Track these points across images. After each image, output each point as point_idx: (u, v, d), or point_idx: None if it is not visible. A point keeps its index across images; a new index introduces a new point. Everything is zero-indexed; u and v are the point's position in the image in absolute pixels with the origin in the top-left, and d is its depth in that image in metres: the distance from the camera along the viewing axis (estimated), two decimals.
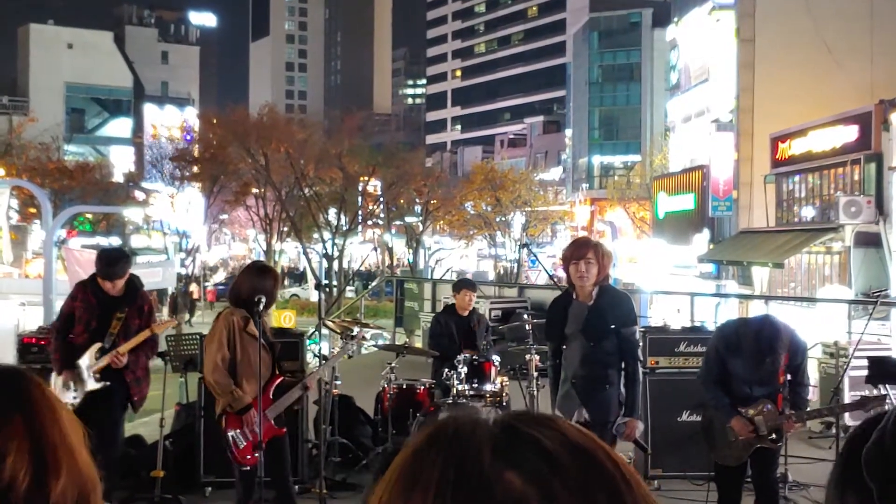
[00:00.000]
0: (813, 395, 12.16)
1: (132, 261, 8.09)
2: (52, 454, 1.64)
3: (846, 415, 10.28)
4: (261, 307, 6.75)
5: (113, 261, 7.72)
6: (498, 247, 66.79)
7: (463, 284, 10.87)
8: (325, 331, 11.96)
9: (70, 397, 7.37)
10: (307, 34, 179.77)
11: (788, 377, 6.89)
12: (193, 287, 54.61)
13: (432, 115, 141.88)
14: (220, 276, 73.71)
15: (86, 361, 7.51)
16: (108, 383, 7.45)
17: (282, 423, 7.05)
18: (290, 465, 7.36)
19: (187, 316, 50.49)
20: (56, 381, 7.54)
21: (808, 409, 7.55)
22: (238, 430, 6.88)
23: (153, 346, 7.84)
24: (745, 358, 6.65)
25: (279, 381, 7.02)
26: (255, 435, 6.79)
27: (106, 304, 7.62)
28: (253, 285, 6.93)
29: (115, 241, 51.85)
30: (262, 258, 62.90)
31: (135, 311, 7.62)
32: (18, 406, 1.68)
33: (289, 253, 73.34)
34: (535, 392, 8.81)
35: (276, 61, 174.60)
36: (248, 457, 6.89)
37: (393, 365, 9.65)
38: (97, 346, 7.48)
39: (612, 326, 6.70)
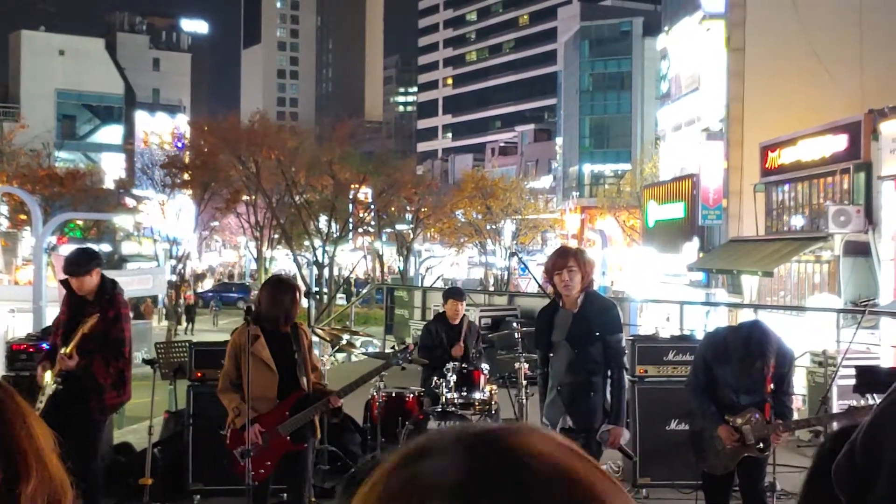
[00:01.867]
0: (801, 404, 12.20)
1: (101, 261, 7.94)
2: (22, 460, 1.67)
3: (834, 424, 10.30)
4: (250, 315, 6.72)
5: (76, 258, 7.59)
6: (488, 255, 66.82)
7: (450, 294, 10.85)
8: (315, 339, 11.93)
9: (36, 403, 7.30)
10: (299, 41, 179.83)
11: (773, 386, 6.91)
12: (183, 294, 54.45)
13: (423, 123, 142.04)
14: (207, 284, 73.61)
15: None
16: (60, 386, 7.34)
17: (301, 438, 6.88)
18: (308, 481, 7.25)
19: (182, 323, 50.32)
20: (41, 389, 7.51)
21: (796, 418, 7.57)
22: (242, 447, 6.79)
23: (116, 353, 7.48)
24: (734, 364, 6.67)
25: (299, 396, 6.86)
26: (258, 450, 6.71)
27: (77, 308, 7.55)
28: (274, 304, 6.84)
29: (105, 247, 51.73)
30: (253, 266, 62.92)
31: (102, 316, 7.49)
32: None
33: (279, 260, 73.26)
34: (525, 400, 8.82)
35: (267, 68, 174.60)
36: (252, 472, 6.81)
37: (382, 373, 9.64)
38: (63, 349, 7.41)
39: (598, 334, 6.72)
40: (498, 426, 1.03)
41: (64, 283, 7.74)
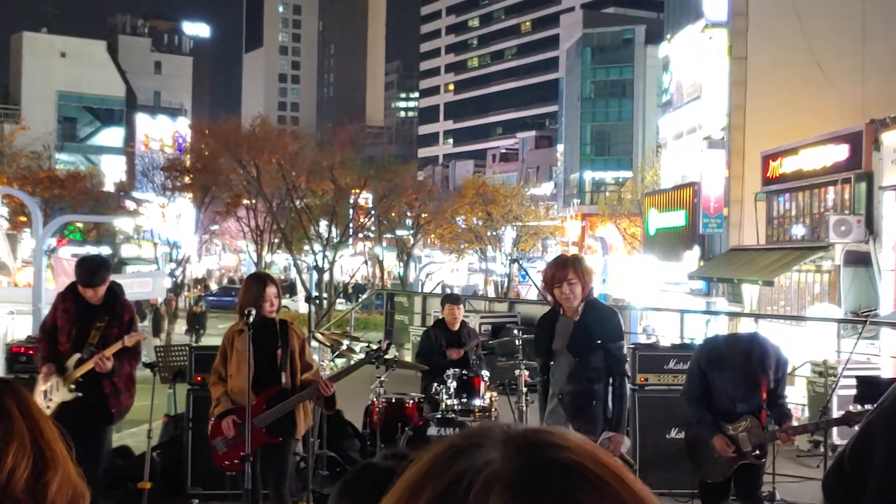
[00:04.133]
0: (801, 414, 12.18)
1: (112, 268, 8.02)
2: (49, 450, 1.76)
3: (834, 433, 10.29)
4: (251, 319, 6.85)
5: (94, 268, 7.61)
6: (489, 261, 66.77)
7: (447, 299, 10.87)
8: (314, 343, 11.92)
9: (44, 407, 7.25)
10: (300, 46, 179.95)
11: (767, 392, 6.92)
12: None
13: (424, 129, 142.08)
14: (211, 287, 73.49)
15: (65, 371, 7.45)
16: (79, 394, 7.34)
17: (277, 432, 7.06)
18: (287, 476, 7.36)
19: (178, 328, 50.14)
20: (37, 390, 7.47)
21: (793, 424, 7.56)
22: (220, 437, 7.06)
23: (136, 356, 7.67)
24: (733, 375, 6.68)
25: (276, 390, 7.04)
26: (240, 444, 6.83)
27: (86, 313, 7.54)
28: (243, 296, 7.18)
29: (105, 250, 51.69)
30: (253, 270, 62.86)
31: (115, 321, 7.52)
32: (18, 406, 1.81)
33: (279, 264, 73.18)
34: (525, 407, 8.80)
35: (269, 72, 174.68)
36: (227, 462, 7.08)
37: (382, 378, 9.63)
38: (76, 356, 7.39)
39: (599, 342, 6.70)
40: (542, 428, 1.05)
41: (70, 291, 7.70)
